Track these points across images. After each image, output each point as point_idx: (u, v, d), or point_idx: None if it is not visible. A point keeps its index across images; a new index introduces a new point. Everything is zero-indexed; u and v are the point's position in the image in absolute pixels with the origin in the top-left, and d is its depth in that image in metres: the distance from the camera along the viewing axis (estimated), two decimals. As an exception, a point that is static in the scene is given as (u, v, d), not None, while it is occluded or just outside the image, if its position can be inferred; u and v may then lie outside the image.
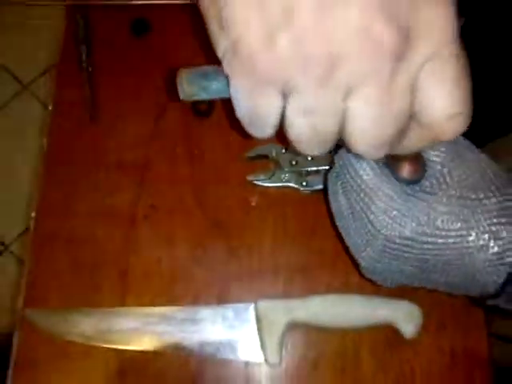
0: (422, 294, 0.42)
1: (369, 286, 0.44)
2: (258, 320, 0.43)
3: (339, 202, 0.35)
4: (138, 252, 0.47)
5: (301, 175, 0.47)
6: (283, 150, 0.48)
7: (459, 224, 0.30)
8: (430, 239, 0.31)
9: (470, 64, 0.22)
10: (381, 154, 0.23)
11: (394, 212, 0.31)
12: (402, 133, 0.22)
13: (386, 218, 0.31)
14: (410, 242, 0.31)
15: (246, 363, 0.44)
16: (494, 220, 0.30)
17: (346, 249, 0.37)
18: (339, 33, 0.18)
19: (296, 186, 0.47)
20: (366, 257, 0.34)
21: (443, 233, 0.30)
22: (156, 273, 0.46)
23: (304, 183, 0.47)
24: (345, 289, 0.45)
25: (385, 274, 0.36)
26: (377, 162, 0.32)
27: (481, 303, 0.35)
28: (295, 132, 0.22)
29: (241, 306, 0.45)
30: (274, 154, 0.48)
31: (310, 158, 0.47)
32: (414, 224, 0.31)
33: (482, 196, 0.30)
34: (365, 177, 0.31)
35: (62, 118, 0.52)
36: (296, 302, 0.43)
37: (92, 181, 0.49)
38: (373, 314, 0.42)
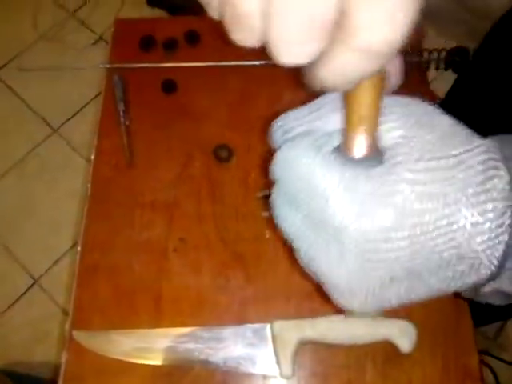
0: (417, 314, 0.49)
1: (370, 307, 0.51)
2: (274, 338, 0.50)
3: (290, 219, 0.27)
4: (169, 280, 0.54)
5: (308, 211, 0.55)
6: (293, 190, 0.55)
7: (439, 199, 0.23)
8: (409, 222, 0.23)
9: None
10: (310, 50, 0.19)
11: (356, 199, 0.24)
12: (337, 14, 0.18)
13: (347, 210, 0.24)
14: (383, 236, 0.24)
15: (264, 376, 0.50)
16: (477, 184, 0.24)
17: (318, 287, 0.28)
18: None
19: (305, 221, 0.55)
20: (338, 274, 0.26)
21: (424, 207, 0.23)
22: (185, 298, 0.53)
23: (311, 218, 0.54)
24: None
25: (364, 293, 0.26)
26: (323, 149, 0.25)
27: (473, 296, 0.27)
28: None
29: (258, 326, 0.51)
30: (285, 194, 0.55)
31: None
32: (383, 209, 0.23)
33: (455, 152, 0.24)
34: (309, 163, 0.25)
35: (103, 165, 0.60)
36: (306, 322, 0.49)
37: (129, 218, 0.57)
38: (373, 331, 0.48)
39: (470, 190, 0.23)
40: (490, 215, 0.23)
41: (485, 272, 0.24)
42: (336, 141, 0.26)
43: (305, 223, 0.26)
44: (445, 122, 0.26)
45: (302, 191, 0.25)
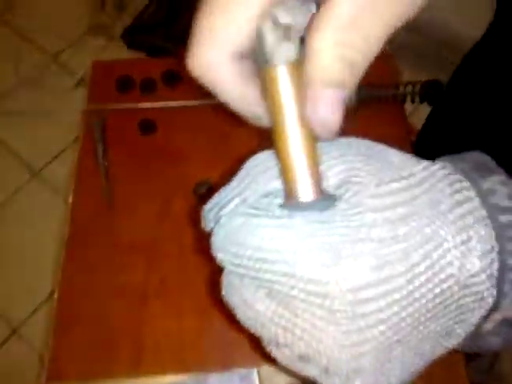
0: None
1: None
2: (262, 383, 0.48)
3: (251, 302, 0.23)
4: (150, 324, 0.52)
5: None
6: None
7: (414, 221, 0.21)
8: (394, 254, 0.20)
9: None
10: None
11: (323, 248, 0.20)
12: None
13: (318, 263, 0.20)
14: (370, 279, 0.20)
15: (252, 425, 0.47)
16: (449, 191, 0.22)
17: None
18: None
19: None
20: (332, 346, 0.21)
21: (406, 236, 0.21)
22: (167, 343, 0.51)
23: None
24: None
25: (372, 368, 0.22)
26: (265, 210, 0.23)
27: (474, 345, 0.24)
28: None
29: (245, 371, 0.49)
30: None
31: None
32: (358, 248, 0.20)
33: (414, 171, 0.22)
34: (255, 228, 0.21)
35: (82, 207, 0.59)
36: (294, 364, 0.48)
37: (108, 262, 0.55)
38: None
39: (443, 206, 0.21)
40: (476, 227, 0.21)
41: (489, 299, 0.21)
42: (276, 198, 0.23)
43: (271, 301, 0.22)
44: (388, 149, 0.24)
45: (256, 263, 0.21)
